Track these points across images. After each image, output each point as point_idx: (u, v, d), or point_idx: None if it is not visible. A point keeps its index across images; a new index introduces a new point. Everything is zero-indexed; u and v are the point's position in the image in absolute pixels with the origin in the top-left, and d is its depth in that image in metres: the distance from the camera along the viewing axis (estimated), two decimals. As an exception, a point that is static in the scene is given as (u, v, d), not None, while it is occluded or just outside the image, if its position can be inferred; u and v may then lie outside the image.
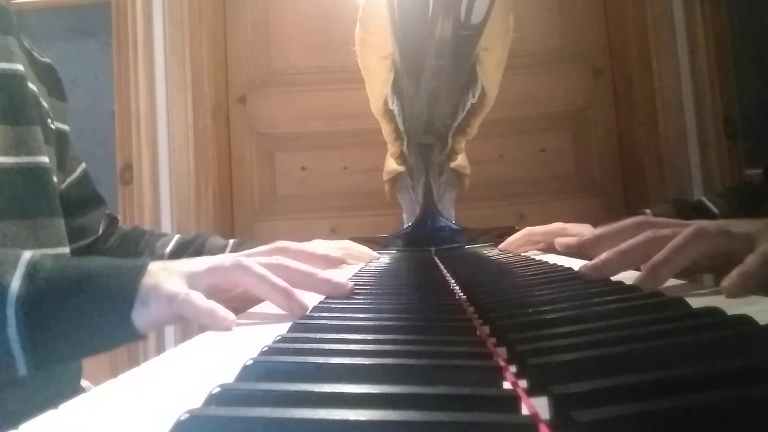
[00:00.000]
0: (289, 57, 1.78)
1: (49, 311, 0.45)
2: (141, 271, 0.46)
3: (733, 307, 0.34)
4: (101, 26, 1.69)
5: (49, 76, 0.84)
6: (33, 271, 0.46)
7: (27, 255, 0.48)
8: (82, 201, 0.88)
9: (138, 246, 0.90)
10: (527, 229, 0.96)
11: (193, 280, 0.47)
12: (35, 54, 0.82)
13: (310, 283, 0.51)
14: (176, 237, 0.92)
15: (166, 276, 0.47)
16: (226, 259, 0.50)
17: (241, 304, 0.53)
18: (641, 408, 0.19)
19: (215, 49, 1.74)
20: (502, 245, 1.01)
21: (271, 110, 1.78)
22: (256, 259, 0.51)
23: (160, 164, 1.62)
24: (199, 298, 0.45)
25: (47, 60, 0.85)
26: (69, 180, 0.87)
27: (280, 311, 0.48)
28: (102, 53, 1.71)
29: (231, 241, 0.90)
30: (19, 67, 0.70)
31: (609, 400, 0.20)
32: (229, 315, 0.45)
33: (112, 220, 0.95)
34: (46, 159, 0.69)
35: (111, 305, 0.45)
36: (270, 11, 1.79)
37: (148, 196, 1.60)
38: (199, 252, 0.88)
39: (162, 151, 1.62)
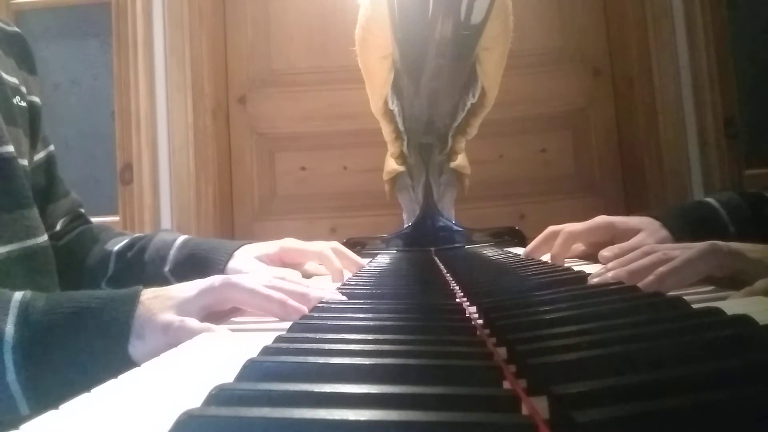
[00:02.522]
0: (289, 57, 1.78)
1: (45, 354, 0.44)
2: (134, 302, 0.46)
3: (733, 307, 0.35)
4: (101, 26, 1.69)
5: (18, 48, 0.77)
6: (25, 314, 0.45)
7: (17, 296, 0.47)
8: (41, 191, 0.79)
9: (88, 253, 0.80)
10: (567, 231, 0.78)
11: (185, 305, 0.47)
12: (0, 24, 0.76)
13: (307, 304, 0.49)
14: (132, 236, 0.82)
15: (159, 305, 0.46)
16: (216, 279, 0.49)
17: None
18: (641, 408, 0.19)
19: (215, 49, 1.74)
20: (529, 250, 0.84)
21: (271, 110, 1.78)
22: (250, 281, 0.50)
23: (160, 164, 1.62)
24: (193, 323, 0.44)
25: (15, 29, 0.78)
26: (34, 160, 0.78)
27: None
28: (102, 53, 1.71)
29: (181, 236, 0.79)
30: None
31: (608, 400, 0.20)
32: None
33: (76, 218, 0.84)
34: (9, 148, 0.64)
35: (107, 342, 0.45)
36: (270, 11, 1.79)
37: (148, 196, 1.60)
38: (143, 248, 0.78)
39: (162, 151, 1.62)
